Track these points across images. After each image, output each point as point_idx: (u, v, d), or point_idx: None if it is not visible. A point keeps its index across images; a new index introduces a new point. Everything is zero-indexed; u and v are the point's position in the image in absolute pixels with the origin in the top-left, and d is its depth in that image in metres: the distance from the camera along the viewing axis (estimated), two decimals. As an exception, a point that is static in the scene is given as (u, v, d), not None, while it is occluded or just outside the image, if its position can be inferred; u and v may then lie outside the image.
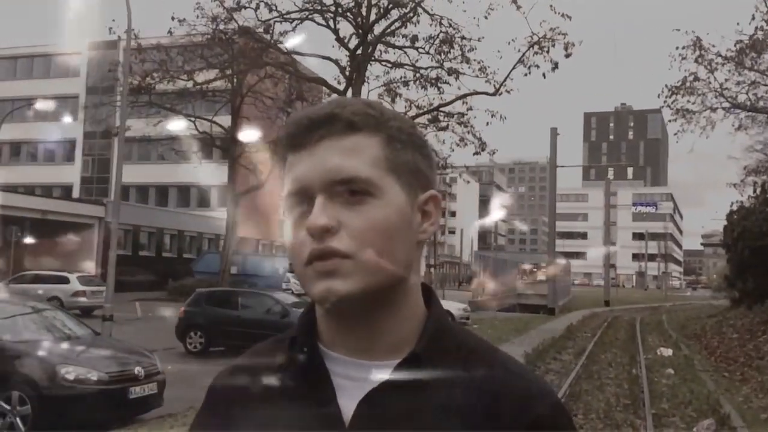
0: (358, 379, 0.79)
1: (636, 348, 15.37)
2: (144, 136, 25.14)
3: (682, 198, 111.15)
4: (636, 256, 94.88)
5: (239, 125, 26.51)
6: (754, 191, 22.18)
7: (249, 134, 25.68)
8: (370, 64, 18.63)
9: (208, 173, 30.44)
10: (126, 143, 16.45)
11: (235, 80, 24.20)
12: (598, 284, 67.89)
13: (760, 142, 27.19)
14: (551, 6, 16.76)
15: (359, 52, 17.68)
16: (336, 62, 17.71)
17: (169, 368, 8.15)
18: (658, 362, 13.05)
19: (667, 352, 14.71)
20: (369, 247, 0.75)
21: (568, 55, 16.72)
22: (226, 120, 26.17)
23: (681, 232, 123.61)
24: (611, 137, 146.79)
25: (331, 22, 17.90)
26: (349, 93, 17.86)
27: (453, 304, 23.20)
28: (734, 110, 23.12)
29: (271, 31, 18.15)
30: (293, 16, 17.87)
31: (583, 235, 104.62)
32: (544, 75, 16.96)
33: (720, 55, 21.80)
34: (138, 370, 7.28)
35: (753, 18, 20.63)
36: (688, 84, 22.46)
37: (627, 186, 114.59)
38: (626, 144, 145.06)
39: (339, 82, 18.86)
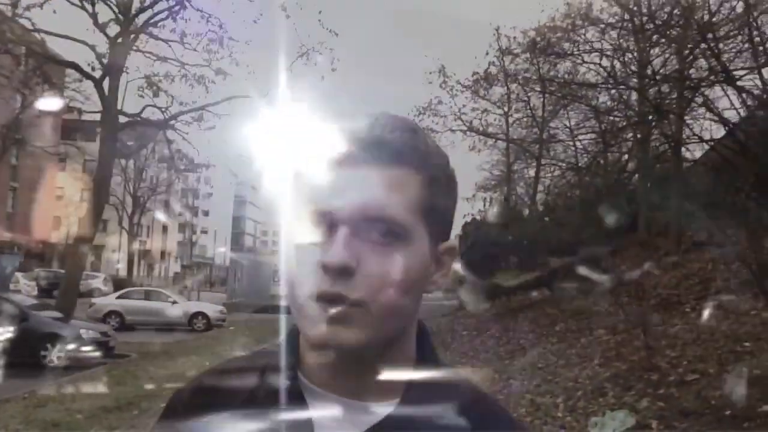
0: (341, 419, 0.73)
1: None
2: None
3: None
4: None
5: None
6: (484, 205, 25.44)
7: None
8: (130, 54, 17.66)
9: None
10: None
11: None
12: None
13: (487, 162, 31.26)
14: (320, 21, 17.55)
15: (120, 40, 16.64)
16: (93, 48, 16.45)
17: None
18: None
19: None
20: (384, 296, 0.68)
21: (333, 69, 17.64)
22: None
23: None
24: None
25: (87, 5, 16.58)
26: (106, 82, 16.74)
27: (209, 306, 22.89)
28: (470, 133, 26.28)
29: (15, 4, 16.25)
30: (43, -10, 16.22)
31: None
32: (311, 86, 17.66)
33: (460, 83, 24.65)
34: None
35: (487, 53, 23.66)
36: (433, 106, 25.01)
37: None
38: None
39: (93, 69, 17.54)
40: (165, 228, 65.88)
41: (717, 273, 10.23)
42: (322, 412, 0.73)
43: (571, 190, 23.10)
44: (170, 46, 17.85)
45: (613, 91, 17.67)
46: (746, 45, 11.27)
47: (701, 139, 13.02)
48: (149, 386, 9.29)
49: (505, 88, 24.61)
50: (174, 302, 21.85)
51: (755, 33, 10.75)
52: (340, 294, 0.67)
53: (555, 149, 25.14)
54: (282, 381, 0.75)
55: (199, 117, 18.35)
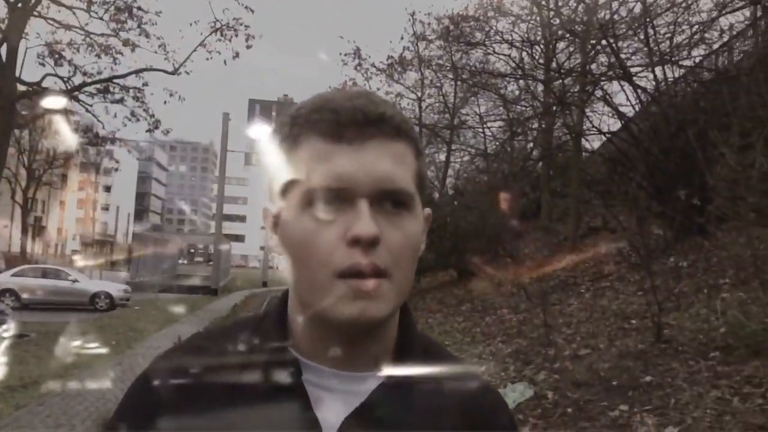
0: (337, 390, 0.73)
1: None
2: None
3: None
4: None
5: None
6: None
7: None
8: (30, 19, 16.71)
9: None
10: None
11: None
12: (254, 266, 70.39)
13: (400, 146, 31.70)
14: (236, -4, 17.23)
15: (20, 4, 15.71)
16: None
17: None
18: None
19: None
20: (403, 264, 0.70)
21: (249, 47, 17.39)
22: None
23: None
24: (273, 125, 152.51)
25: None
26: (3, 49, 15.80)
27: (112, 285, 22.14)
28: (383, 116, 26.53)
29: None
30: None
31: (242, 219, 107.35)
32: (225, 62, 17.36)
33: (374, 66, 24.83)
34: None
35: (402, 38, 24.00)
36: (348, 88, 25.05)
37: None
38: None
39: (-11, 33, 16.49)
40: (62, 203, 62.63)
41: (609, 256, 11.01)
42: (318, 384, 0.73)
43: (479, 176, 23.88)
44: (75, 14, 17.06)
45: (520, 82, 18.38)
46: (642, 45, 12.05)
47: (599, 131, 13.83)
48: (53, 365, 9.06)
49: (419, 73, 25.03)
50: (74, 281, 21.01)
51: (650, 34, 11.50)
52: (374, 263, 0.67)
53: (465, 135, 25.87)
54: (275, 354, 0.74)
55: (105, 89, 17.66)
